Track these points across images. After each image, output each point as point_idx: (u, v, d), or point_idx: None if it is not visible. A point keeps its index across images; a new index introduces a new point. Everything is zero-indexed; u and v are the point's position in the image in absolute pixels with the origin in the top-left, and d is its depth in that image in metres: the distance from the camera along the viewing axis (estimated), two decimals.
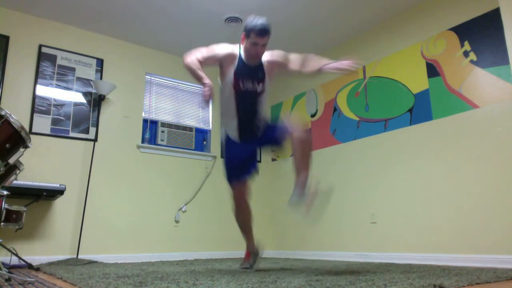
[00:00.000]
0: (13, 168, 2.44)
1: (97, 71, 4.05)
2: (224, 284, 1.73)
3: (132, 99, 4.22)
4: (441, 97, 3.27)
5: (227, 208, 4.53)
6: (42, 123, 3.62)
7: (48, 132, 3.64)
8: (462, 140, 3.07)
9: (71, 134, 3.76)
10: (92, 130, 3.88)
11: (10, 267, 2.85)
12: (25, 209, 2.87)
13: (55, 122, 3.70)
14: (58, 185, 3.29)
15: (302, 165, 2.22)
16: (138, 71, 4.32)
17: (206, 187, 4.43)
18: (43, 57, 3.75)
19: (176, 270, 2.60)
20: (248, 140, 2.47)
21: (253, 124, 2.44)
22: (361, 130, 3.90)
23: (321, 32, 4.13)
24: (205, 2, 3.61)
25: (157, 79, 4.50)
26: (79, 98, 3.89)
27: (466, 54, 3.15)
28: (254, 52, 2.31)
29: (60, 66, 3.84)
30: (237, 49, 2.38)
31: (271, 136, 2.38)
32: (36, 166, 3.47)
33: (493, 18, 2.99)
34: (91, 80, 3.98)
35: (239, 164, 2.48)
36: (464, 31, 3.19)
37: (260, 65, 2.39)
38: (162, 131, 4.33)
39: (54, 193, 3.27)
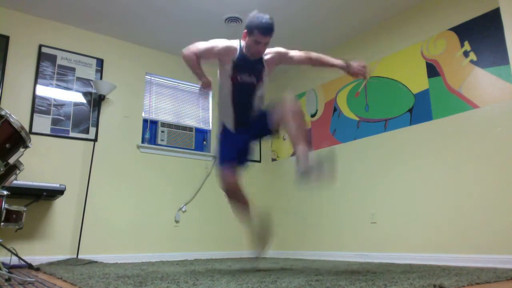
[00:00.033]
0: (13, 168, 2.44)
1: (97, 71, 4.05)
2: (224, 284, 1.73)
3: (132, 99, 4.22)
4: (441, 97, 3.27)
5: (227, 208, 4.51)
6: (42, 123, 3.62)
7: (48, 132, 3.64)
8: (462, 140, 3.07)
9: (71, 134, 3.76)
10: (92, 130, 3.88)
11: (10, 267, 2.85)
12: (25, 209, 2.87)
13: (55, 122, 3.70)
14: (58, 185, 3.29)
15: (300, 135, 2.14)
16: (138, 71, 4.32)
17: (206, 187, 4.42)
18: (43, 57, 3.75)
19: (176, 270, 2.60)
20: (244, 131, 2.46)
21: (249, 116, 2.44)
22: (361, 130, 3.90)
23: (321, 32, 4.13)
24: (205, 2, 3.61)
25: (157, 79, 4.50)
26: (79, 98, 3.89)
27: (466, 54, 3.15)
28: (256, 50, 2.30)
29: (60, 66, 3.84)
30: (236, 43, 2.37)
31: (264, 121, 2.36)
32: (36, 166, 3.47)
33: (493, 18, 2.99)
34: (91, 80, 3.98)
35: (233, 149, 2.44)
36: (464, 31, 3.19)
37: (260, 59, 2.39)
38: (162, 131, 4.33)
39: (54, 193, 3.27)
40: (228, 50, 2.34)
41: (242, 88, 2.38)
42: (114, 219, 3.81)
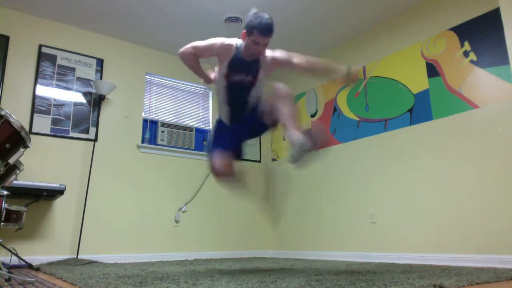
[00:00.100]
0: (13, 168, 2.44)
1: (97, 71, 4.05)
2: (224, 284, 1.73)
3: (132, 99, 4.22)
4: (441, 97, 3.27)
5: (227, 208, 4.54)
6: (42, 123, 3.62)
7: (48, 132, 3.64)
8: (462, 140, 3.07)
9: (71, 134, 3.76)
10: (92, 130, 3.88)
11: (10, 267, 2.85)
12: (25, 209, 2.87)
13: (55, 122, 3.70)
14: (58, 185, 3.29)
15: (293, 117, 2.15)
16: (138, 71, 4.32)
17: (206, 187, 4.42)
18: (43, 57, 3.75)
19: (176, 270, 2.60)
20: (238, 124, 2.46)
21: (244, 115, 2.44)
22: (361, 130, 3.90)
23: (321, 32, 4.13)
24: (205, 2, 3.61)
25: (157, 79, 4.50)
26: (79, 98, 3.89)
27: (466, 54, 3.15)
28: (255, 50, 2.28)
29: (60, 66, 3.84)
30: (235, 42, 2.36)
31: (258, 113, 2.37)
32: (36, 166, 3.47)
33: (493, 18, 2.99)
34: (91, 80, 3.98)
35: (225, 138, 2.44)
36: (464, 31, 3.19)
37: (257, 60, 2.37)
38: (162, 131, 4.33)
39: (54, 193, 3.27)
40: (225, 48, 2.33)
41: (237, 87, 2.38)
42: (114, 219, 3.81)
